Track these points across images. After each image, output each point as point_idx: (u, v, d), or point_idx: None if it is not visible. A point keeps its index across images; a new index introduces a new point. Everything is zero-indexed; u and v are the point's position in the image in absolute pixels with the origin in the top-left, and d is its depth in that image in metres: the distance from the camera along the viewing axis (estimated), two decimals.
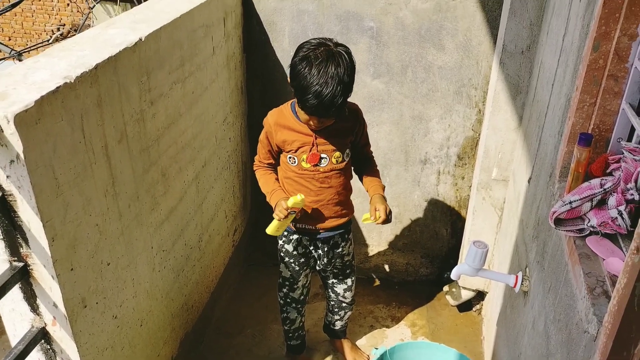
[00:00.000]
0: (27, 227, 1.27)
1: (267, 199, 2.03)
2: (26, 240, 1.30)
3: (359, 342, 2.66)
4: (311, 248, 2.16)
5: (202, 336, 2.55)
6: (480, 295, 2.85)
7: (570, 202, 1.32)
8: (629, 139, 1.41)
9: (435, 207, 2.88)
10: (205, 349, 2.56)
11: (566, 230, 1.35)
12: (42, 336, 1.44)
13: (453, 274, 1.86)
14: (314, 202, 2.02)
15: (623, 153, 1.34)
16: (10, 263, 1.33)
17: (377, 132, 2.70)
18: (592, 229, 1.31)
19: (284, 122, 1.95)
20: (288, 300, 2.29)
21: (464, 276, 2.70)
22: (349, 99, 1.85)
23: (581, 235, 1.33)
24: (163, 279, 1.99)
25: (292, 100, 1.96)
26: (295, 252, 2.16)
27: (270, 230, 2.01)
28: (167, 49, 1.80)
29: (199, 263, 2.38)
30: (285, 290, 2.27)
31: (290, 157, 1.97)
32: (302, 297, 2.29)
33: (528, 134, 2.13)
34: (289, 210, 1.90)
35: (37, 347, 1.46)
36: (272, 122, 1.97)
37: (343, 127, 1.96)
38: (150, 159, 1.77)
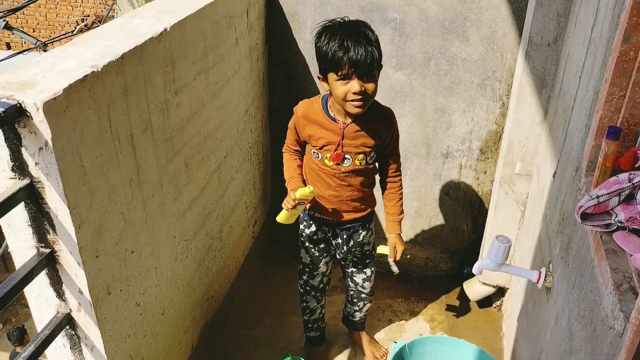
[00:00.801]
0: (54, 214, 1.29)
1: (285, 184, 2.06)
2: (53, 227, 1.32)
3: (377, 336, 2.66)
4: (329, 235, 2.16)
5: (221, 326, 2.58)
6: (500, 292, 2.82)
7: (598, 197, 1.30)
8: None
9: (456, 202, 2.86)
10: (225, 340, 2.58)
11: (592, 225, 1.33)
12: (67, 322, 1.46)
13: (475, 269, 1.85)
14: (332, 196, 2.02)
15: None
16: (38, 249, 1.35)
17: (399, 125, 2.68)
18: (619, 224, 1.28)
19: (313, 116, 1.94)
20: (308, 288, 2.29)
21: (485, 272, 2.68)
22: (383, 104, 1.96)
23: (608, 230, 1.31)
24: (185, 268, 2.01)
25: (324, 94, 1.95)
26: (315, 237, 2.16)
27: (280, 218, 2.01)
28: (191, 40, 1.81)
29: (220, 254, 2.39)
30: (305, 277, 2.27)
31: (314, 152, 1.98)
32: (321, 285, 2.29)
33: (553, 127, 2.10)
34: (297, 202, 1.91)
35: (62, 333, 1.49)
36: (301, 114, 1.96)
37: (372, 128, 1.93)
38: (174, 149, 1.78)
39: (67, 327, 1.48)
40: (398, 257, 2.16)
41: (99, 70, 1.33)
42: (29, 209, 1.29)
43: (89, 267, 1.39)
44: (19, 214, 1.30)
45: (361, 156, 1.94)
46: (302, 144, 2.05)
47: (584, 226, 1.41)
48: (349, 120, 1.89)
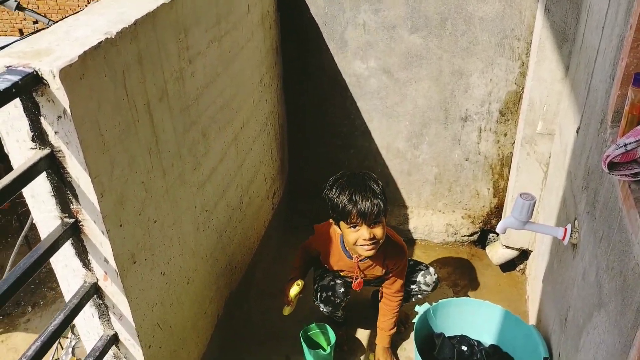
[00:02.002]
0: (76, 183, 1.30)
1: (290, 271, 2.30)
2: (76, 197, 1.32)
3: None
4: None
5: (246, 296, 2.60)
6: (523, 255, 2.80)
7: (625, 145, 1.26)
8: None
9: (477, 166, 2.83)
10: (249, 309, 2.61)
11: (620, 175, 1.30)
12: (94, 291, 1.48)
13: (499, 228, 1.83)
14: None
15: None
16: (62, 219, 1.36)
17: (416, 90, 2.65)
18: None
19: (332, 250, 2.19)
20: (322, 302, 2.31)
21: (508, 235, 2.66)
22: (396, 238, 2.20)
23: (637, 179, 1.27)
24: (207, 239, 2.02)
25: (336, 231, 2.14)
26: (332, 283, 2.26)
27: (286, 312, 2.21)
28: (202, 6, 1.79)
29: (241, 224, 2.40)
30: (321, 297, 2.29)
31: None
32: (337, 300, 2.27)
33: (576, 82, 2.04)
34: (291, 299, 2.17)
35: (90, 302, 1.50)
36: (322, 242, 2.23)
37: (383, 263, 2.16)
38: (190, 118, 1.78)
39: (95, 296, 1.49)
40: None
41: (113, 37, 1.32)
42: (50, 179, 1.29)
43: (113, 236, 1.40)
44: (42, 184, 1.30)
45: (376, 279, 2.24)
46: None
47: (611, 177, 1.38)
48: (362, 256, 2.11)
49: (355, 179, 1.99)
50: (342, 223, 1.99)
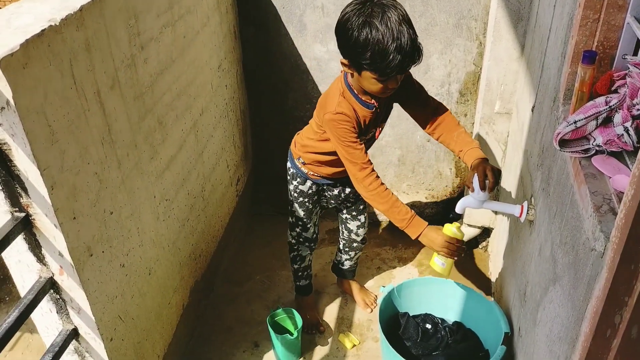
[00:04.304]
0: (24, 176, 1.26)
1: (401, 226, 1.80)
2: (25, 190, 1.28)
3: (367, 284, 2.68)
4: (323, 187, 2.16)
5: (212, 284, 2.58)
6: (485, 232, 2.85)
7: (575, 122, 1.29)
8: (635, 55, 1.37)
9: (439, 147, 2.85)
10: (216, 297, 2.60)
11: (571, 152, 1.33)
12: (50, 286, 1.45)
13: (458, 207, 1.85)
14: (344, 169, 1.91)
15: (629, 68, 1.30)
16: (12, 214, 1.32)
17: None
18: (597, 148, 1.28)
19: (360, 112, 1.80)
20: (301, 239, 2.29)
21: (470, 213, 2.70)
22: None
23: (587, 155, 1.31)
24: (168, 228, 1.99)
25: (343, 89, 1.80)
26: (310, 191, 2.15)
27: (445, 273, 1.84)
28: None
29: (204, 213, 2.38)
30: (297, 230, 2.26)
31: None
32: (314, 235, 2.31)
33: (531, 61, 2.07)
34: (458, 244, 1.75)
35: (47, 297, 1.47)
36: (352, 115, 1.77)
37: (394, 95, 1.82)
38: (145, 106, 1.74)
39: (51, 291, 1.46)
40: (492, 184, 1.71)
41: (57, 24, 1.27)
42: None
43: (67, 228, 1.36)
44: None
45: (384, 124, 1.94)
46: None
47: (564, 155, 1.41)
48: (375, 98, 1.80)
49: (387, 11, 1.55)
50: (366, 73, 1.64)
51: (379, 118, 1.90)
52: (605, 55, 1.40)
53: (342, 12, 1.65)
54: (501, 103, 2.38)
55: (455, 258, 1.80)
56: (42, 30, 1.23)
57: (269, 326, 2.22)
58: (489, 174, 1.70)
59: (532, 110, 1.93)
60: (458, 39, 2.51)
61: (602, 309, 1.02)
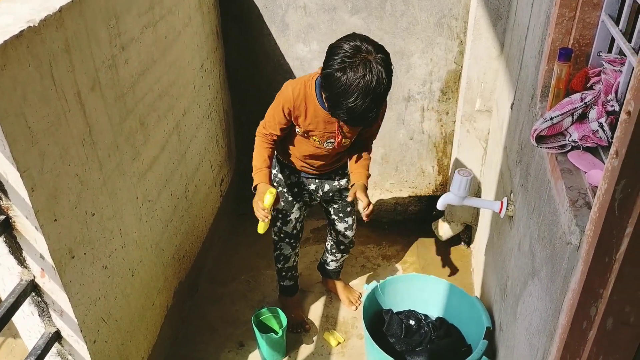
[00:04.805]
0: (4, 178, 1.25)
1: (252, 173, 1.97)
2: (5, 192, 1.28)
3: (351, 282, 2.70)
4: (304, 179, 2.16)
5: (196, 285, 2.58)
6: (468, 229, 2.88)
7: (551, 118, 1.31)
8: (609, 52, 1.40)
9: (421, 145, 2.88)
10: (201, 297, 2.59)
11: (548, 148, 1.35)
12: (32, 288, 1.44)
13: (439, 204, 1.88)
14: (317, 164, 2.06)
15: (603, 65, 1.33)
16: None
17: None
18: (573, 144, 1.31)
19: (311, 106, 1.84)
20: (281, 235, 2.29)
21: (452, 211, 2.73)
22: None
23: (563, 151, 1.33)
24: (151, 229, 1.99)
25: (315, 78, 1.83)
26: (289, 181, 2.16)
27: (261, 229, 1.92)
28: None
29: (187, 213, 2.37)
30: (278, 224, 2.26)
31: (303, 133, 1.93)
32: (295, 231, 2.29)
33: (510, 59, 2.10)
34: (267, 210, 1.85)
35: (29, 300, 1.46)
36: (297, 102, 1.83)
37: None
38: (126, 107, 1.73)
39: (33, 293, 1.45)
40: (368, 211, 1.94)
41: (36, 25, 1.27)
42: None
43: (48, 231, 1.36)
44: None
45: (354, 137, 1.99)
46: (287, 129, 1.94)
47: (541, 151, 1.43)
48: None
49: (365, 75, 1.60)
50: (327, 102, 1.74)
51: (340, 131, 1.91)
52: (581, 52, 1.42)
53: (346, 37, 1.69)
54: (482, 101, 2.41)
55: (263, 220, 1.87)
56: (21, 31, 1.22)
57: (253, 325, 2.23)
58: (359, 195, 1.93)
59: (511, 108, 1.96)
60: (439, 38, 2.53)
61: (578, 302, 1.04)
